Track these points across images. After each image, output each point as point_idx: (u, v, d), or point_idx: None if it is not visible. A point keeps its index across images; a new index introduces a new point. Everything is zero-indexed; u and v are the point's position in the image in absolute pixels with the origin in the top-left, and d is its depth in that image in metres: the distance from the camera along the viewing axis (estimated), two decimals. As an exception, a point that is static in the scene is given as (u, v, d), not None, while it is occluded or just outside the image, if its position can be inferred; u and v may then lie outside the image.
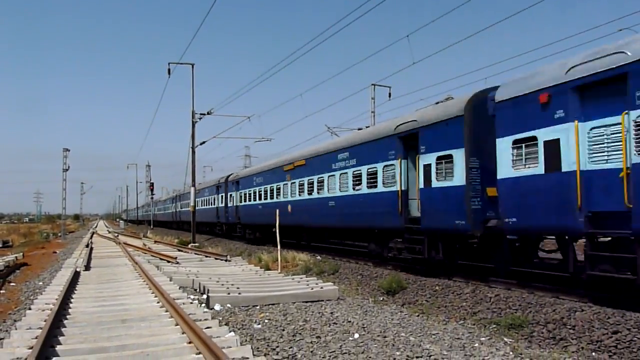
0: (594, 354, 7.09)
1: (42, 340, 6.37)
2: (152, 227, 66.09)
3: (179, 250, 25.29)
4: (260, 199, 26.56)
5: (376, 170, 15.43)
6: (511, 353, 7.04)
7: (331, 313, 9.58)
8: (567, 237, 9.59)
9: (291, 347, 7.16)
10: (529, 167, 9.93)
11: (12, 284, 15.23)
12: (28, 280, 15.75)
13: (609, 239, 8.97)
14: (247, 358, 6.21)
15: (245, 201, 29.20)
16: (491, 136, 10.86)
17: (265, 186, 25.74)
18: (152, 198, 71.91)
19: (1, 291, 13.54)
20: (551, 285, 10.52)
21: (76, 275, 14.07)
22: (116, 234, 46.37)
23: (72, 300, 10.36)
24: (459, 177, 12.05)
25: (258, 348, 7.11)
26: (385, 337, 7.76)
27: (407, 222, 13.89)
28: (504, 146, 10.52)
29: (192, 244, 29.93)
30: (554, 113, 9.39)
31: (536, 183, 9.74)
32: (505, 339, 7.87)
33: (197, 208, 39.88)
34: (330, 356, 6.76)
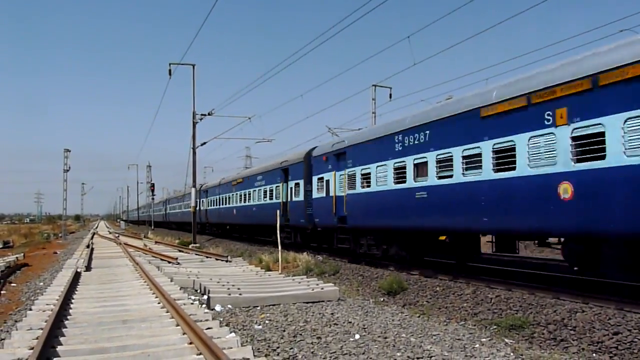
0: (594, 355, 7.08)
1: (43, 340, 6.37)
2: (152, 227, 66.07)
3: (180, 251, 25.30)
4: (219, 204, 36.45)
5: (273, 189, 25.28)
6: (512, 354, 7.04)
7: (332, 314, 9.58)
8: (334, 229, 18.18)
9: (292, 348, 7.16)
10: (321, 192, 18.96)
11: (12, 284, 15.23)
12: (29, 281, 15.76)
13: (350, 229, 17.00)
14: (248, 359, 6.21)
15: (210, 206, 39.81)
16: (322, 174, 19.09)
17: (222, 195, 35.57)
18: (152, 199, 71.94)
19: (2, 292, 13.54)
20: (552, 286, 10.52)
21: (77, 276, 14.07)
22: (117, 235, 46.40)
23: (72, 300, 10.36)
24: (301, 195, 21.44)
25: (259, 349, 7.11)
26: (386, 337, 7.76)
27: (286, 221, 23.02)
28: (315, 180, 19.71)
29: (192, 245, 29.94)
30: (328, 165, 18.46)
31: (323, 201, 18.71)
32: (506, 340, 7.87)
33: (178, 211, 52.85)
34: (331, 357, 6.76)
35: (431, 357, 6.77)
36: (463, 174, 11.30)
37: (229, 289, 11.43)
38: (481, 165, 10.76)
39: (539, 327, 8.18)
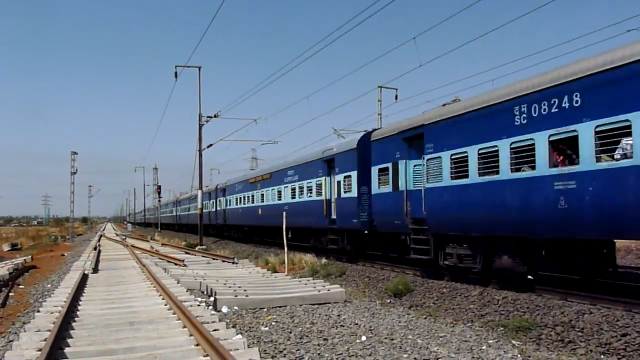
0: (602, 356, 7.04)
1: (51, 342, 6.41)
2: (159, 229, 66.36)
3: (187, 253, 25.36)
4: (186, 212, 56.14)
5: (205, 202, 39.99)
6: (519, 356, 7.00)
7: (338, 315, 9.57)
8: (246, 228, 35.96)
9: (298, 350, 7.16)
10: (220, 206, 39.68)
11: (21, 286, 15.33)
12: (37, 283, 15.86)
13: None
14: (255, 360, 6.21)
15: (182, 212, 60.15)
16: (219, 198, 39.34)
17: (186, 205, 55.95)
18: (159, 201, 72.30)
19: (10, 294, 13.63)
20: (560, 289, 10.47)
21: (84, 278, 14.15)
22: (124, 237, 46.61)
23: (80, 302, 10.41)
24: (215, 207, 41.05)
25: (265, 350, 7.12)
26: (392, 339, 7.75)
27: (210, 221, 41.97)
28: (218, 200, 39.88)
29: (199, 247, 30.02)
30: (221, 193, 39.23)
31: (220, 211, 39.39)
32: (513, 342, 7.84)
33: (166, 215, 75.05)
34: (337, 358, 6.76)
35: (438, 358, 6.75)
36: (262, 200, 27.99)
37: (235, 290, 11.45)
38: (267, 199, 27.53)
39: (547, 329, 8.14)
